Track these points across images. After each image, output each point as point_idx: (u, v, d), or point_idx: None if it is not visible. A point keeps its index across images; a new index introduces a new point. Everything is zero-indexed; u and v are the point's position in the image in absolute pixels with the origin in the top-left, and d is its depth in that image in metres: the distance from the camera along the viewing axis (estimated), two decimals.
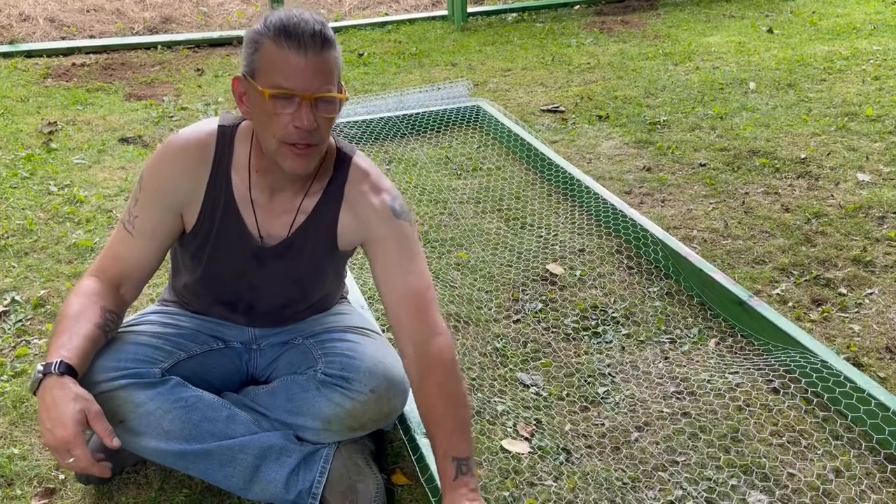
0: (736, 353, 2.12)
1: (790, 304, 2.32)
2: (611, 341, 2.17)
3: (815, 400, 1.92)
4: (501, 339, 2.18)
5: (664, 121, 3.81)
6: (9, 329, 2.20)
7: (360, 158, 1.61)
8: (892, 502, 1.62)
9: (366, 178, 1.58)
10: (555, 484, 1.68)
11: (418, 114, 3.73)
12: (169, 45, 5.35)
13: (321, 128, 1.41)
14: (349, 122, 3.62)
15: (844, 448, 1.77)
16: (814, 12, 5.90)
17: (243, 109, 1.47)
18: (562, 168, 3.11)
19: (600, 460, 1.75)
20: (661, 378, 2.02)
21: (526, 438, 1.81)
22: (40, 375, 1.37)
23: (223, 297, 1.66)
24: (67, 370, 1.37)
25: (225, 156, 1.54)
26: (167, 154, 1.55)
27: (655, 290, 2.41)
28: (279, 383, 1.64)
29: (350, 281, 2.15)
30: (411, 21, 6.07)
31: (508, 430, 1.84)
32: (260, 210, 1.56)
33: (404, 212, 1.59)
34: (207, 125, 1.57)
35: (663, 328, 2.23)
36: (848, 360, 2.03)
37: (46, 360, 1.39)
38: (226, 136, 1.55)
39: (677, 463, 1.74)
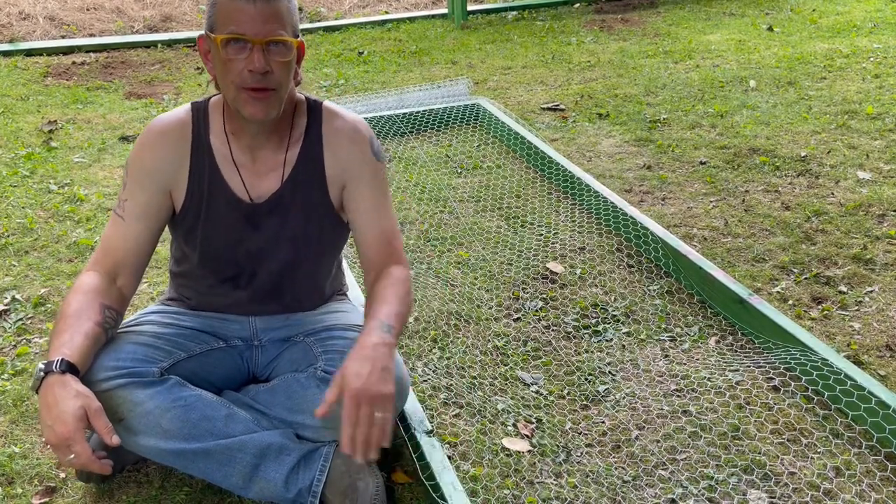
0: (736, 351, 2.12)
1: (790, 302, 2.32)
2: (611, 339, 2.17)
3: (816, 398, 1.92)
4: (502, 338, 2.18)
5: (664, 119, 3.81)
6: (9, 328, 2.20)
7: (330, 104, 1.68)
8: (892, 501, 1.62)
9: (342, 119, 1.65)
10: (555, 482, 1.69)
11: (418, 112, 3.73)
12: (169, 44, 5.35)
13: (276, 72, 1.46)
14: None
15: (845, 446, 1.77)
16: (814, 10, 5.89)
17: (209, 67, 1.53)
18: (562, 166, 3.11)
19: (601, 458, 1.75)
20: (662, 376, 2.02)
21: (526, 437, 1.82)
22: (42, 374, 1.38)
23: (224, 273, 1.67)
24: (69, 368, 1.39)
25: (202, 128, 1.60)
26: (149, 138, 1.60)
27: (656, 288, 2.41)
28: (279, 381, 1.64)
29: (350, 280, 2.15)
30: (411, 19, 6.07)
31: (509, 428, 1.84)
32: (245, 171, 1.61)
33: (381, 152, 1.67)
34: (182, 107, 1.64)
35: (663, 326, 2.23)
36: (848, 358, 2.03)
37: (48, 359, 1.40)
38: (200, 110, 1.62)
39: (678, 461, 1.74)
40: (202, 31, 1.52)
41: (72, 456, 1.34)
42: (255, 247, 1.64)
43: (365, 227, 1.64)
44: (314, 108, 1.65)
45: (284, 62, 1.47)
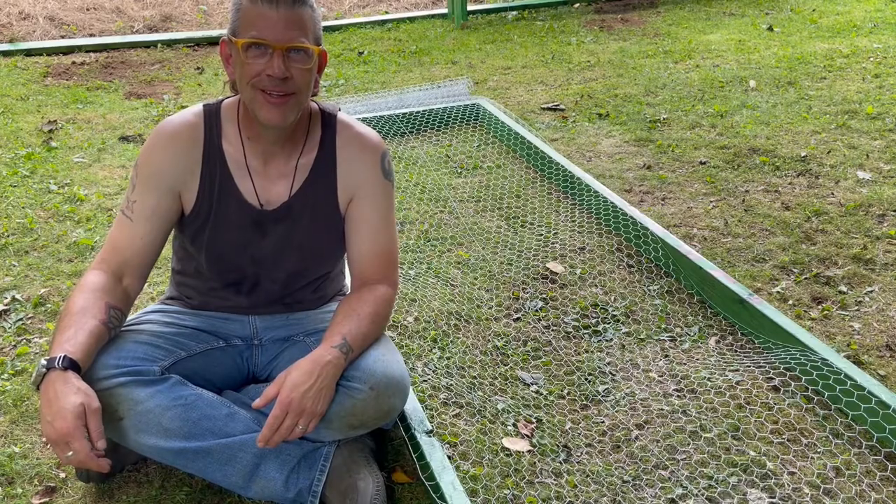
0: (736, 351, 2.12)
1: (790, 302, 2.32)
2: (611, 339, 2.17)
3: (816, 398, 1.92)
4: (502, 338, 2.18)
5: (664, 119, 3.81)
6: (9, 328, 2.20)
7: (343, 115, 1.68)
8: (892, 501, 1.62)
9: (357, 132, 1.66)
10: (555, 482, 1.69)
11: (418, 112, 3.73)
12: (169, 44, 5.35)
13: (295, 79, 1.47)
14: None
15: (845, 446, 1.77)
16: (814, 10, 5.89)
17: (229, 71, 1.54)
18: (562, 166, 3.11)
19: (601, 458, 1.75)
20: (662, 376, 2.02)
21: (526, 437, 1.82)
22: (44, 370, 1.38)
23: (227, 277, 1.67)
24: (71, 365, 1.39)
25: (214, 131, 1.61)
26: (160, 139, 1.60)
27: (655, 288, 2.41)
28: None
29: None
30: (411, 19, 6.07)
31: (509, 428, 1.84)
32: (257, 176, 1.61)
33: (391, 171, 1.69)
34: (193, 108, 1.64)
35: (663, 326, 2.23)
36: (848, 358, 2.03)
37: (50, 355, 1.40)
38: (212, 113, 1.62)
39: (677, 461, 1.74)
40: (223, 34, 1.53)
41: (70, 453, 1.34)
42: (261, 254, 1.64)
43: (365, 244, 1.66)
44: (329, 119, 1.65)
45: (305, 69, 1.48)
